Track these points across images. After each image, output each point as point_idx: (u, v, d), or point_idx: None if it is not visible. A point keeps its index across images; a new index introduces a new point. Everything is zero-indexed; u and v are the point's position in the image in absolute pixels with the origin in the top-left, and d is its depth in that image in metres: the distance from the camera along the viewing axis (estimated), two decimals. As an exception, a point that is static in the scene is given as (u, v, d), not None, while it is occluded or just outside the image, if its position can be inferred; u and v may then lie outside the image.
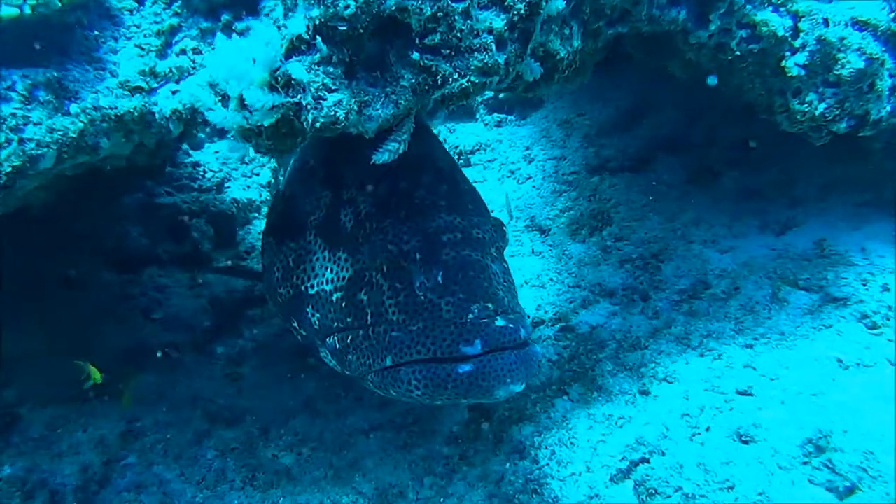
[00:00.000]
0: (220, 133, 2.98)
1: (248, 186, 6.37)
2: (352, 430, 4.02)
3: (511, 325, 2.71)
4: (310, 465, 3.85)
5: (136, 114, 2.73)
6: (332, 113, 2.32)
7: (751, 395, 3.67)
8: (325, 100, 2.32)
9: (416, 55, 2.29)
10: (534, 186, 5.88)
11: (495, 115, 6.90)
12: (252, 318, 5.08)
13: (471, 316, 2.68)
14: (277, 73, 2.27)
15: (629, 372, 4.17)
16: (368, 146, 2.81)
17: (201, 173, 6.37)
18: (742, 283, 4.44)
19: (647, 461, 3.50)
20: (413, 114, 2.49)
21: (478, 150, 6.58)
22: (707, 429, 3.55)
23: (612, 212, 5.50)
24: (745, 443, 3.40)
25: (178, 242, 5.34)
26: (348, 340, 2.87)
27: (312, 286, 3.04)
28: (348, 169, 3.10)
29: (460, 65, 2.28)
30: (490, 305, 2.72)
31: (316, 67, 2.30)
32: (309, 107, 2.42)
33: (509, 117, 6.80)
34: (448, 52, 2.28)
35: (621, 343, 4.42)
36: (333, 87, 2.32)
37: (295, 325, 3.26)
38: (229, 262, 5.39)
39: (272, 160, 6.14)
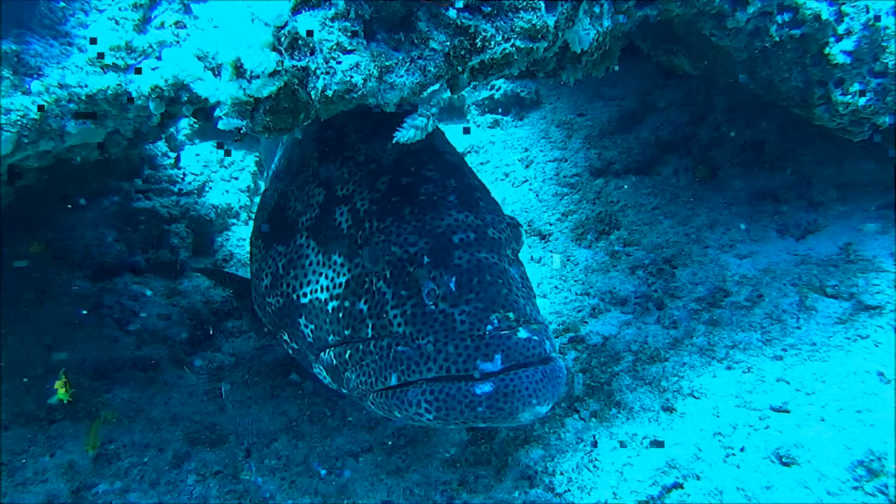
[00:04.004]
0: (202, 133, 2.65)
1: (227, 191, 5.99)
2: (339, 452, 3.60)
3: (535, 338, 2.37)
4: (295, 491, 3.47)
5: (109, 93, 2.35)
6: (348, 79, 1.97)
7: (787, 411, 3.36)
8: (340, 63, 1.98)
9: (452, 13, 1.94)
10: (531, 189, 5.55)
11: (488, 115, 6.57)
12: (231, 330, 4.69)
13: (489, 327, 2.33)
14: (283, 30, 1.91)
15: (649, 386, 3.86)
16: (371, 133, 2.50)
17: (181, 176, 5.98)
18: (765, 290, 4.14)
19: (681, 486, 3.17)
20: (444, 84, 2.16)
21: (469, 152, 6.24)
22: (742, 449, 3.23)
23: (620, 215, 5.20)
24: (787, 465, 3.09)
25: (156, 249, 4.94)
26: (346, 356, 2.53)
27: (305, 294, 2.68)
28: (344, 161, 2.74)
29: (504, 26, 1.94)
30: (511, 315, 2.39)
31: (330, 24, 1.93)
32: (319, 72, 2.08)
33: (505, 118, 6.47)
34: (490, 9, 1.93)
35: (638, 355, 4.11)
36: (350, 48, 1.97)
37: (286, 337, 2.89)
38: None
39: (250, 164, 5.81)
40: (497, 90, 6.32)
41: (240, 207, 5.62)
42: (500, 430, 3.62)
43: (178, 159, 5.53)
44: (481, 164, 6.30)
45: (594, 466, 3.48)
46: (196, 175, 5.93)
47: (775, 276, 4.21)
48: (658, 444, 3.41)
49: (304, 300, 2.67)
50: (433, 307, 2.36)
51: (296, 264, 2.74)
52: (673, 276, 4.57)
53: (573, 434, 3.39)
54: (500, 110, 6.65)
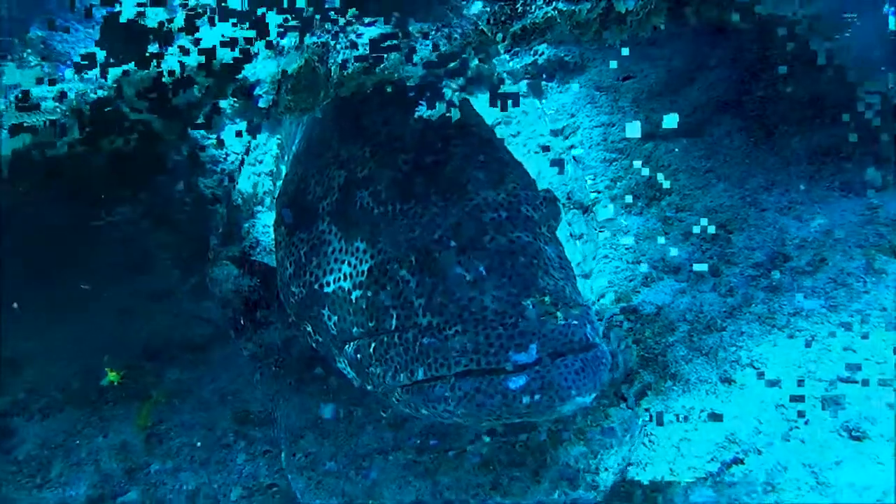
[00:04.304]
0: (243, 113, 2.66)
1: (251, 175, 5.93)
2: (367, 451, 3.39)
3: (575, 322, 2.22)
4: (322, 491, 3.37)
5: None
6: (368, 53, 1.88)
7: (856, 381, 3.19)
8: (361, 35, 1.89)
9: (492, -22, 1.83)
10: (574, 158, 5.39)
11: (523, 82, 6.38)
12: (260, 320, 4.63)
13: (524, 314, 2.18)
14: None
15: (706, 357, 3.72)
16: (393, 110, 2.38)
17: (223, 156, 5.95)
18: (828, 253, 3.95)
19: (742, 462, 3.04)
20: (471, 52, 2.06)
21: (500, 123, 6.08)
22: (807, 422, 3.08)
23: (671, 179, 5.02)
24: (857, 439, 2.93)
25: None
26: (370, 349, 2.36)
27: (328, 283, 2.52)
28: (365, 141, 2.59)
29: (547, -12, 1.81)
30: (547, 299, 2.22)
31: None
32: (339, 46, 2.00)
33: (550, 84, 6.28)
34: (531, -32, 1.81)
35: (694, 324, 3.97)
36: (369, 20, 1.89)
37: (309, 329, 2.74)
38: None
39: (273, 147, 5.71)
40: (540, 55, 6.14)
41: (264, 193, 5.54)
42: (538, 423, 3.35)
43: (220, 140, 5.49)
44: (513, 135, 6.17)
45: (650, 441, 3.37)
46: (238, 154, 5.89)
47: (839, 238, 4.00)
48: (717, 417, 3.28)
49: (327, 289, 2.53)
50: (461, 295, 2.19)
51: (318, 251, 2.60)
52: (728, 241, 4.39)
53: (619, 425, 3.09)
54: (543, 76, 6.47)
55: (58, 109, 3.06)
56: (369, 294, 2.36)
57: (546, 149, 2.68)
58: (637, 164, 5.24)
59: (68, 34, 2.40)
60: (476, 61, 2.43)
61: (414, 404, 2.27)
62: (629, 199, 5.03)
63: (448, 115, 2.45)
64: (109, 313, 4.44)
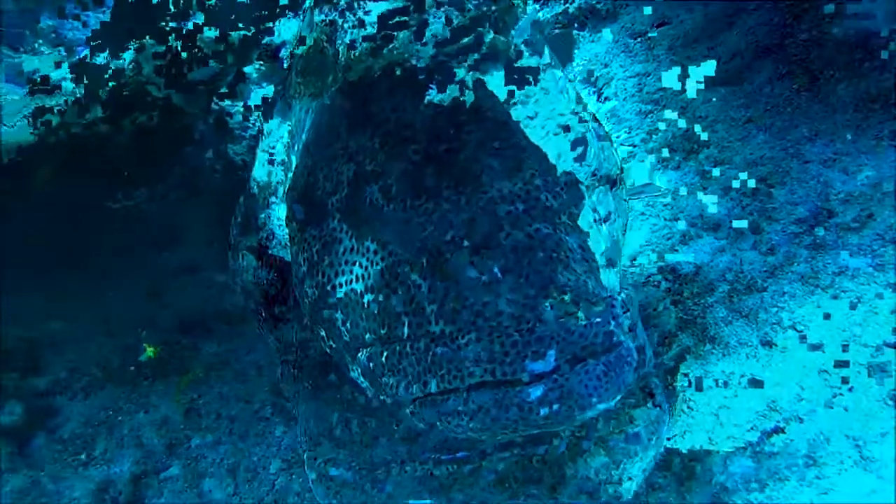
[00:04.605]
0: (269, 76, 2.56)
1: (264, 164, 5.84)
2: (381, 462, 3.21)
3: (598, 321, 2.09)
4: (339, 499, 3.28)
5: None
6: (376, 32, 1.80)
7: (904, 346, 3.07)
8: (369, 13, 1.81)
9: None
10: (597, 131, 5.23)
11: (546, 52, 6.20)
12: (278, 315, 4.57)
13: (542, 316, 2.05)
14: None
15: (746, 319, 3.62)
16: (403, 95, 2.25)
17: (252, 121, 5.91)
18: (876, 208, 3.77)
19: (783, 430, 2.97)
20: (488, 26, 1.95)
21: (516, 103, 5.89)
22: (850, 389, 2.98)
23: (709, 131, 4.84)
24: (905, 408, 2.84)
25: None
26: (383, 358, 2.23)
27: (340, 285, 2.37)
28: (375, 130, 2.39)
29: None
30: (567, 297, 2.08)
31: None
32: (346, 25, 1.91)
33: (582, 33, 6.08)
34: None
35: (734, 285, 3.86)
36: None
37: (323, 333, 2.57)
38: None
39: (285, 134, 5.55)
40: (570, 2, 5.93)
41: (277, 183, 5.41)
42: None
43: (248, 107, 5.45)
44: (530, 117, 6.00)
45: (688, 408, 3.32)
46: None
47: (888, 191, 3.82)
48: (757, 383, 3.20)
49: (339, 292, 2.38)
50: (474, 300, 2.06)
51: (330, 250, 2.44)
52: (769, 195, 4.23)
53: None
54: (574, 25, 6.26)
55: (76, 91, 3.02)
56: (381, 298, 2.23)
57: (567, 129, 2.46)
58: (673, 115, 5.07)
59: (78, 21, 2.35)
60: (491, 34, 2.29)
61: (427, 418, 2.18)
62: (666, 152, 4.89)
63: (461, 98, 2.29)
64: (143, 289, 4.47)
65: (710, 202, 4.41)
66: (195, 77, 4.20)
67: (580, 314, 2.07)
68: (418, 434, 2.34)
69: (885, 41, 4.47)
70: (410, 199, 2.24)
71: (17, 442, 3.49)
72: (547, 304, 2.06)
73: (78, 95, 3.54)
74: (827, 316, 3.36)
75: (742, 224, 4.18)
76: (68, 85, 3.43)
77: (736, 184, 4.43)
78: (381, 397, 2.35)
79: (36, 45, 2.41)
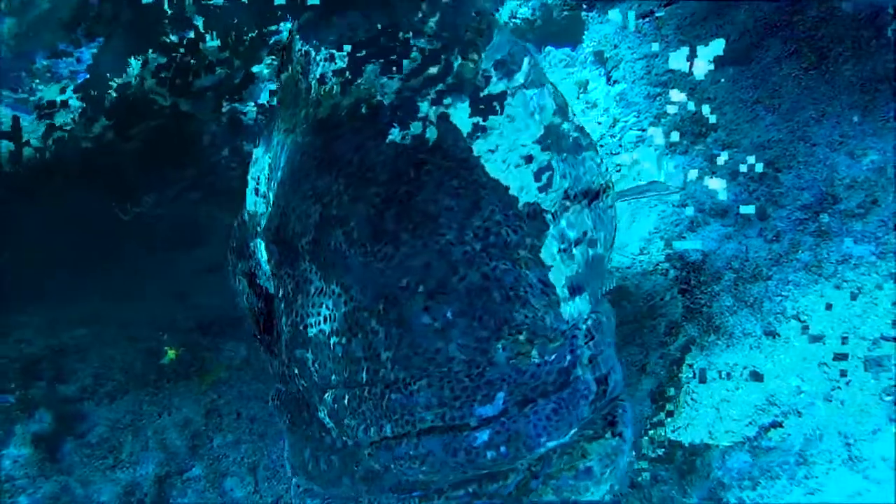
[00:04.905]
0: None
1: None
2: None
3: (553, 358, 2.12)
4: None
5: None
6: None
7: (903, 339, 3.09)
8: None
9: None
10: (620, 96, 5.20)
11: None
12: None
13: (493, 360, 2.07)
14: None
15: (751, 309, 3.64)
16: (367, 134, 2.25)
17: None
18: (880, 194, 3.75)
19: (781, 425, 3.01)
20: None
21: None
22: (848, 383, 3.01)
23: (717, 113, 4.81)
24: (900, 404, 2.86)
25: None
26: (345, 400, 2.25)
27: (311, 325, 2.38)
28: (339, 171, 2.38)
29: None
30: (522, 336, 2.11)
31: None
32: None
33: (590, 14, 6.04)
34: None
35: (739, 273, 3.87)
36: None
37: (296, 371, 2.55)
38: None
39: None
40: (578, -16, 5.89)
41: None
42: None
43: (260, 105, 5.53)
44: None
45: (692, 400, 3.38)
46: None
47: (891, 177, 3.80)
48: (758, 376, 3.24)
49: (310, 332, 2.40)
50: (427, 346, 2.08)
51: (302, 290, 2.45)
52: (776, 180, 4.22)
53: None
54: (583, 6, 6.22)
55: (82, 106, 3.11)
56: (344, 342, 2.26)
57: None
58: (682, 97, 5.04)
59: (72, 57, 2.43)
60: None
61: (382, 461, 2.22)
62: (675, 136, 4.88)
63: (424, 135, 2.28)
64: (164, 292, 4.61)
65: (719, 188, 4.40)
66: (202, 84, 4.28)
67: (534, 353, 2.10)
68: (376, 475, 2.38)
69: (893, 17, 4.39)
70: (370, 244, 2.24)
71: (48, 448, 3.67)
72: (499, 345, 2.08)
73: (85, 110, 3.65)
74: (829, 306, 3.37)
75: (749, 210, 4.18)
76: (75, 102, 3.54)
77: (743, 168, 4.41)
78: (344, 438, 2.38)
79: (33, 85, 2.51)
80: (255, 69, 5.67)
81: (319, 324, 2.34)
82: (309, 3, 2.39)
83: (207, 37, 3.90)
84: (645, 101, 5.19)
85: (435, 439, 2.07)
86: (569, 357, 2.16)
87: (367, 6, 2.55)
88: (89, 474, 3.66)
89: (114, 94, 3.60)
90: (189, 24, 3.60)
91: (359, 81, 2.31)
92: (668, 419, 3.46)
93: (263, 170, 2.67)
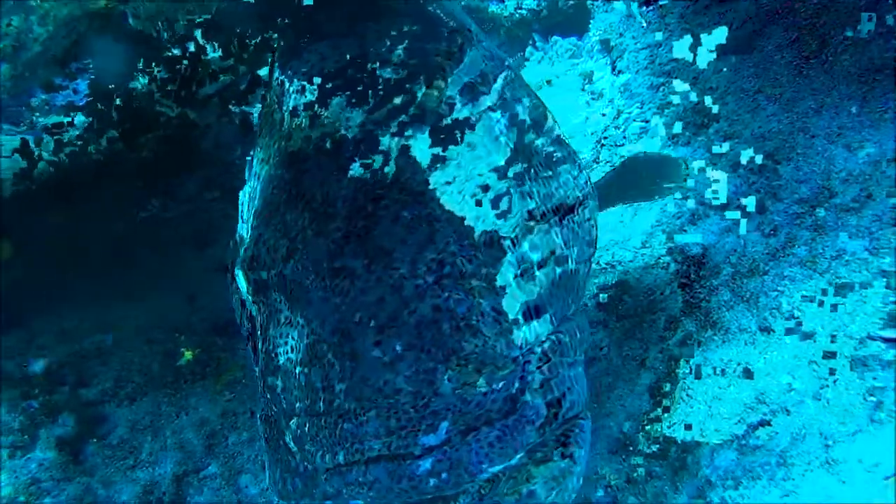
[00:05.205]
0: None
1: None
2: None
3: (500, 386, 2.16)
4: None
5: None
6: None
7: (894, 340, 3.12)
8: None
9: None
10: (624, 87, 5.23)
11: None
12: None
13: (439, 391, 2.12)
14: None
15: (747, 304, 3.70)
16: (331, 169, 2.32)
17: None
18: (875, 188, 3.76)
19: (769, 423, 3.09)
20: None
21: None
22: (835, 381, 3.07)
23: (719, 103, 4.82)
24: (879, 408, 2.91)
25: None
26: (306, 427, 2.31)
27: (280, 354, 2.41)
28: (305, 206, 2.43)
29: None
30: (470, 367, 2.16)
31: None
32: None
33: (596, 3, 6.05)
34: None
35: (737, 267, 3.92)
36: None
37: (268, 396, 2.56)
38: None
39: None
40: (581, -26, 5.90)
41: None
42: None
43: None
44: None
45: (688, 396, 3.46)
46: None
47: (887, 170, 3.80)
48: (749, 374, 3.31)
49: (280, 360, 2.43)
50: (375, 378, 2.15)
51: (273, 319, 2.48)
52: (776, 172, 4.24)
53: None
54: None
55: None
56: (307, 371, 2.32)
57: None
58: (684, 87, 5.05)
59: (68, 90, 2.55)
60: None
61: (335, 486, 2.27)
62: (678, 128, 4.90)
63: (384, 170, 2.33)
64: (180, 293, 4.76)
65: (720, 180, 4.44)
66: (207, 92, 4.40)
67: (481, 381, 2.15)
68: (331, 498, 2.45)
69: (894, 4, 4.36)
70: (329, 279, 2.29)
71: (72, 451, 3.86)
72: (446, 377, 2.14)
73: (91, 124, 3.79)
74: (821, 303, 3.42)
75: (749, 203, 4.21)
76: (80, 118, 3.68)
77: (744, 160, 4.44)
78: (305, 463, 2.41)
79: (34, 118, 2.63)
80: (262, 72, 5.78)
81: (287, 353, 2.39)
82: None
83: (209, 48, 4.00)
84: (648, 92, 5.22)
85: (381, 467, 2.15)
86: (517, 384, 2.20)
87: (338, 36, 2.62)
88: (111, 475, 3.84)
89: (117, 110, 3.72)
90: (188, 38, 3.70)
91: (325, 115, 2.38)
92: (665, 415, 3.55)
93: (247, 195, 2.74)
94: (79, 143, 3.79)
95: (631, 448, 3.53)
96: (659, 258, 4.42)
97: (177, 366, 4.34)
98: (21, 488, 3.68)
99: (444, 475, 2.09)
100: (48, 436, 3.87)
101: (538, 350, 2.30)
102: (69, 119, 3.44)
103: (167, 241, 5.02)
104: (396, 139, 2.32)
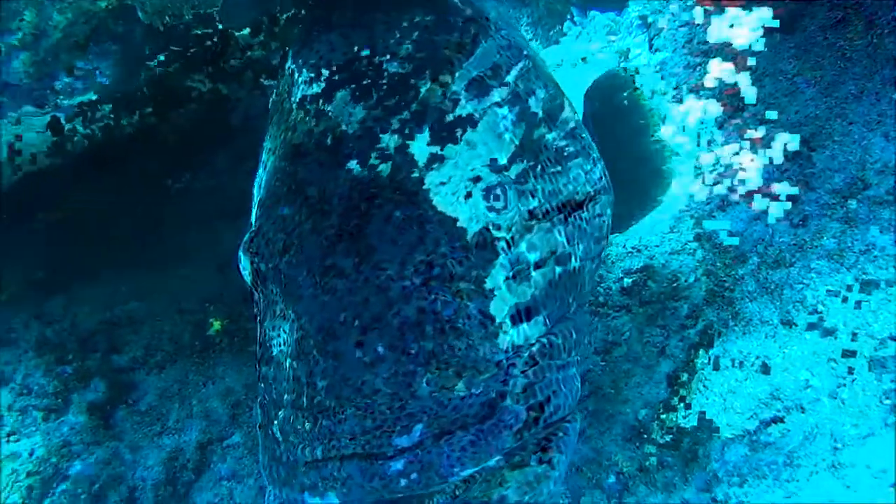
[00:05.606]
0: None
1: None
2: None
3: (479, 391, 2.14)
4: None
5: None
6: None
7: (913, 339, 3.06)
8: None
9: None
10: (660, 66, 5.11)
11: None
12: None
13: (416, 393, 2.10)
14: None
15: (771, 296, 3.64)
16: (329, 163, 2.28)
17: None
18: (913, 180, 3.66)
19: (782, 420, 3.06)
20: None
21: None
22: (854, 381, 3.02)
23: (756, 86, 4.69)
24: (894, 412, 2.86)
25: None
26: (291, 420, 2.31)
27: (274, 345, 2.41)
28: (304, 201, 2.41)
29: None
30: (450, 370, 2.14)
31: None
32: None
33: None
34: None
35: (763, 257, 3.86)
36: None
37: (262, 384, 2.56)
38: None
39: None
40: (621, -53, 5.74)
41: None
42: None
43: None
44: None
45: (704, 387, 3.44)
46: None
47: (925, 162, 3.69)
48: (766, 369, 3.28)
49: (273, 350, 2.42)
50: (355, 378, 2.14)
51: (270, 310, 2.47)
52: (810, 159, 4.13)
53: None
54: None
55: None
56: (295, 366, 2.31)
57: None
58: (721, 68, 4.93)
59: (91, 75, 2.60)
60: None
61: (311, 478, 2.26)
62: (711, 109, 4.80)
63: (379, 168, 2.29)
64: (211, 263, 4.86)
65: (752, 166, 4.34)
66: (238, 66, 4.46)
67: (460, 385, 2.14)
68: (307, 490, 2.44)
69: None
70: (319, 277, 2.28)
71: (102, 416, 4.01)
72: (424, 380, 2.13)
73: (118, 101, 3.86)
74: (845, 300, 3.36)
75: (780, 190, 4.12)
76: (109, 95, 3.75)
77: (778, 146, 4.33)
78: (287, 454, 2.40)
79: (58, 101, 2.70)
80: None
81: (280, 345, 2.39)
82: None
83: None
84: (685, 72, 5.10)
85: (354, 464, 2.15)
86: (498, 388, 2.18)
87: (348, 26, 2.59)
88: (138, 440, 3.99)
89: (148, 85, 3.79)
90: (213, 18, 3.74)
91: (329, 109, 2.36)
92: (681, 404, 3.54)
93: (257, 184, 2.73)
94: (111, 117, 3.87)
95: (645, 436, 3.53)
96: (686, 244, 4.36)
97: (206, 335, 4.44)
98: (53, 450, 3.85)
99: (414, 476, 2.09)
100: (80, 400, 4.02)
101: (525, 353, 2.27)
102: (97, 97, 3.52)
103: (201, 212, 5.11)
104: (396, 136, 2.30)
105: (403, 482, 2.09)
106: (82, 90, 2.96)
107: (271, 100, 2.65)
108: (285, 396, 2.34)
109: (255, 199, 2.73)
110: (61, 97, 2.93)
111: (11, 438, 3.86)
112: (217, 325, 4.49)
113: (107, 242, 4.61)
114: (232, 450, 4.01)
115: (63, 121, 3.47)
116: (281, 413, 2.36)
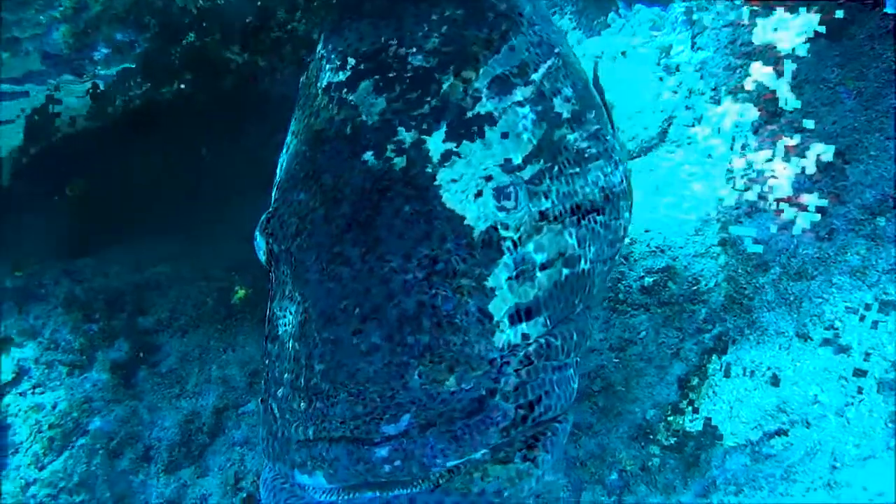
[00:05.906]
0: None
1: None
2: None
3: (470, 386, 2.16)
4: None
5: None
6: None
7: (926, 363, 3.04)
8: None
9: None
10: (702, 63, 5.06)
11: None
12: None
13: (408, 384, 2.13)
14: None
15: (788, 307, 3.62)
16: (347, 152, 2.29)
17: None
18: (947, 201, 3.60)
19: (786, 433, 3.06)
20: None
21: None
22: (861, 401, 3.01)
23: (795, 92, 4.63)
24: (902, 432, 2.86)
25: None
26: (288, 398, 2.34)
27: (280, 325, 2.45)
28: (319, 187, 2.42)
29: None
30: (443, 365, 2.16)
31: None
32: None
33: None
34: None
35: (786, 268, 3.83)
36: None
37: (266, 362, 2.59)
38: None
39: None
40: (670, -58, 5.67)
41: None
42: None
43: None
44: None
45: (713, 393, 3.45)
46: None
47: (962, 183, 3.63)
48: (776, 381, 3.28)
49: (279, 329, 2.46)
50: (351, 365, 2.16)
51: (280, 290, 2.50)
52: (843, 172, 4.08)
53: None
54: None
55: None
56: (296, 346, 2.34)
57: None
58: (762, 72, 4.86)
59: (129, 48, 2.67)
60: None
61: (302, 457, 2.29)
62: (746, 114, 4.74)
63: (394, 161, 2.32)
64: (239, 232, 4.95)
65: (783, 175, 4.30)
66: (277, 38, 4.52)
67: (451, 380, 2.17)
68: (297, 467, 2.50)
69: None
70: (326, 263, 2.31)
71: (124, 375, 4.14)
72: (416, 372, 2.16)
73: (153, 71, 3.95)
74: (862, 318, 3.34)
75: (810, 202, 4.08)
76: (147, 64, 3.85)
77: (812, 156, 4.28)
78: (283, 430, 2.43)
79: (96, 71, 2.78)
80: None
81: (285, 325, 2.42)
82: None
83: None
84: (725, 73, 5.04)
85: (342, 447, 2.18)
86: (489, 385, 2.21)
87: (378, 15, 2.61)
88: (157, 401, 4.11)
89: (184, 56, 3.86)
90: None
91: (351, 98, 2.38)
92: (689, 408, 3.55)
93: (279, 165, 2.78)
94: (148, 85, 3.96)
95: (651, 436, 3.55)
96: (710, 247, 4.35)
97: (229, 303, 4.53)
98: (75, 405, 3.99)
99: (397, 463, 2.13)
100: (104, 358, 4.15)
101: (521, 353, 2.30)
102: (134, 66, 3.61)
103: (233, 180, 5.20)
104: (413, 131, 2.32)
105: (387, 468, 2.13)
106: (120, 60, 3.04)
107: (301, 81, 2.68)
108: (285, 375, 2.37)
109: (276, 180, 2.79)
110: (100, 67, 3.02)
111: (37, 391, 4.01)
112: (241, 292, 4.57)
113: (140, 207, 4.72)
114: (247, 417, 4.12)
115: (102, 87, 3.57)
116: (280, 391, 2.40)
